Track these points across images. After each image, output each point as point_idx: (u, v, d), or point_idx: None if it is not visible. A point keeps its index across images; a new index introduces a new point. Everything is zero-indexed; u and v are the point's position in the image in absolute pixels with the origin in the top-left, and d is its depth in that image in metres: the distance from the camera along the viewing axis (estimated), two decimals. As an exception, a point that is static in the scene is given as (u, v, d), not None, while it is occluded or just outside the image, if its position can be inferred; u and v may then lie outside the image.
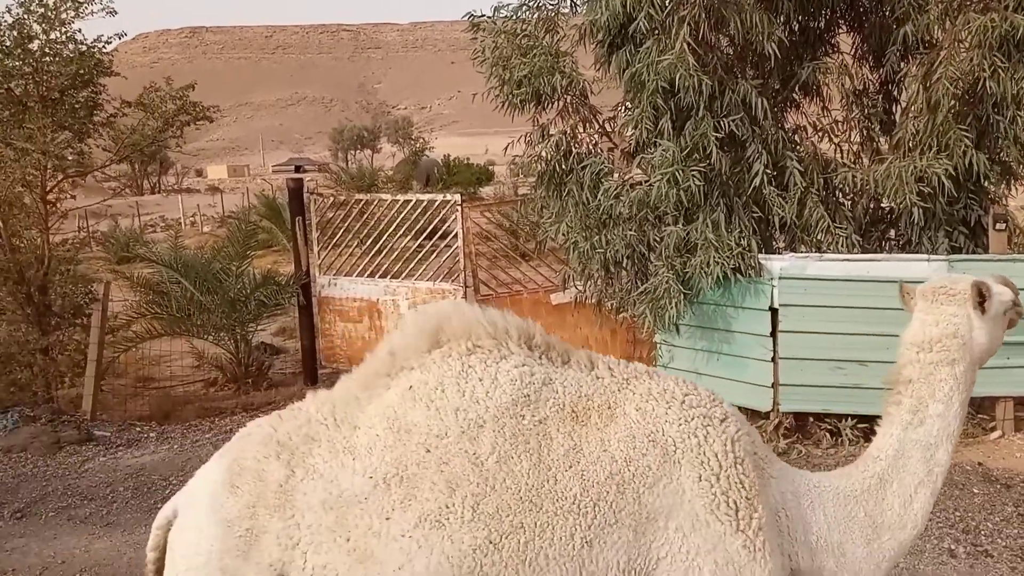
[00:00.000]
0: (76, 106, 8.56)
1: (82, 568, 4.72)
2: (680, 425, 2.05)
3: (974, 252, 6.15)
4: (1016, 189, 6.54)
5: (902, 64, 6.44)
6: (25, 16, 8.39)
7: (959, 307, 2.28)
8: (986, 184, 6.13)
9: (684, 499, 2.00)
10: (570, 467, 1.98)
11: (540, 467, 1.97)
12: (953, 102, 5.69)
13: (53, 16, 8.33)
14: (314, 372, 8.75)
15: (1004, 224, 6.05)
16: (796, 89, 6.74)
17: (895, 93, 6.83)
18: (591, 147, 7.09)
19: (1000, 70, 5.56)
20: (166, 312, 8.49)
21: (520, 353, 2.11)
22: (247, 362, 8.70)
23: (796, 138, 6.76)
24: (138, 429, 7.41)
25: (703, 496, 2.00)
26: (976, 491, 5.12)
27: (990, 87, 5.58)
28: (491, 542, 1.92)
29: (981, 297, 2.27)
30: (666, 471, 2.00)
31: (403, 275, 8.42)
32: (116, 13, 8.93)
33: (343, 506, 1.96)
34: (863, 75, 7.02)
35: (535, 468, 1.97)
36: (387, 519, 1.94)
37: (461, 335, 2.12)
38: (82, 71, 8.52)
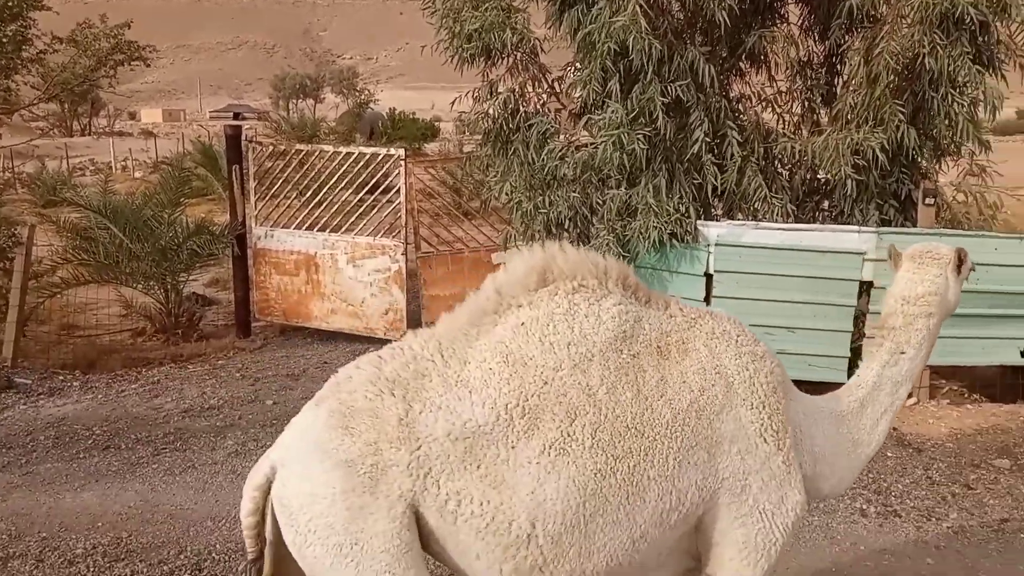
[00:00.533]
0: (3, 40, 8.11)
1: (-1, 517, 4.58)
2: (736, 360, 2.32)
3: (903, 225, 6.33)
4: (947, 165, 6.73)
5: (847, 37, 6.51)
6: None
7: (941, 269, 2.61)
8: (918, 159, 6.28)
9: (741, 425, 2.27)
10: (661, 396, 2.21)
11: (639, 397, 2.19)
12: (892, 77, 5.79)
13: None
14: (247, 324, 8.58)
15: (933, 199, 6.22)
16: (743, 58, 6.77)
17: (838, 66, 6.91)
18: (539, 106, 7.03)
19: (939, 47, 5.67)
20: (93, 259, 8.18)
21: (617, 293, 2.30)
22: (177, 312, 8.48)
23: (740, 107, 6.80)
24: (61, 378, 7.17)
25: (755, 423, 2.29)
26: (890, 454, 5.32)
27: (928, 64, 5.69)
28: (608, 466, 2.11)
29: (960, 261, 2.62)
30: (728, 400, 2.28)
31: (343, 229, 8.27)
32: (46, -57, 8.45)
33: (469, 436, 2.07)
34: (808, 47, 7.08)
35: (636, 398, 2.18)
36: (512, 448, 2.07)
37: (567, 275, 2.28)
38: (10, 3, 8.07)
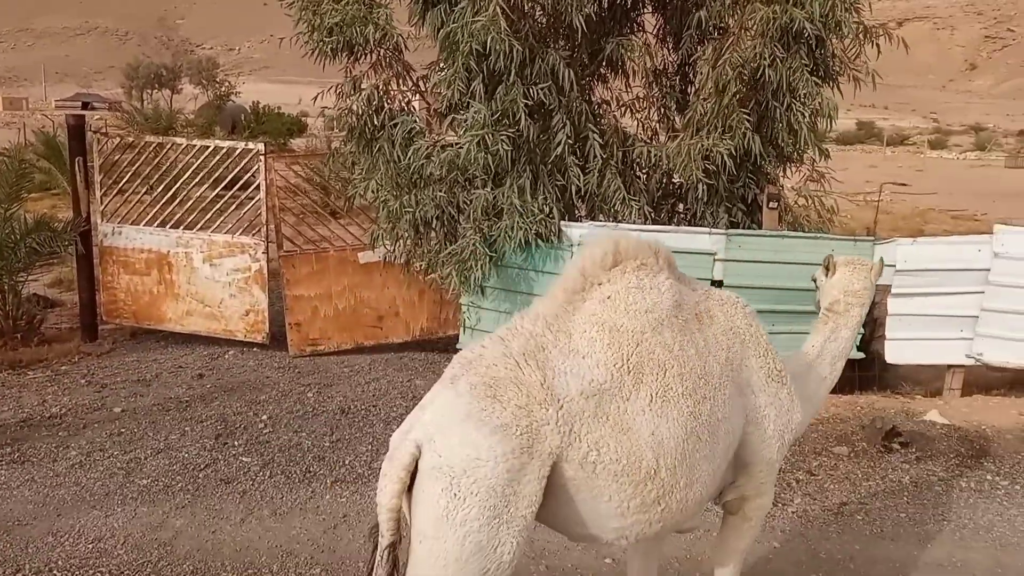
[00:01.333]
0: None
1: None
2: (743, 320, 2.84)
3: (750, 227, 6.72)
4: (790, 171, 7.19)
5: (698, 47, 6.85)
6: None
7: (869, 272, 3.33)
8: (763, 165, 6.68)
9: (755, 371, 2.81)
10: (709, 353, 2.66)
11: (699, 354, 2.62)
12: (739, 87, 6.14)
13: None
14: (94, 327, 8.05)
15: (776, 203, 6.63)
16: (603, 64, 6.98)
17: (691, 75, 7.25)
18: (404, 104, 6.99)
19: (779, 59, 6.06)
20: (-85, 257, 7.46)
21: (666, 269, 2.69)
22: (15, 315, 7.85)
23: (600, 111, 7.01)
24: None
25: (763, 367, 2.83)
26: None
27: (769, 75, 6.07)
28: (696, 409, 2.51)
29: (881, 267, 3.37)
30: (743, 353, 2.79)
31: (198, 226, 7.91)
32: None
33: (595, 394, 2.38)
34: (663, 55, 7.40)
35: (697, 354, 2.61)
36: (627, 400, 2.42)
37: (631, 255, 2.64)
38: None
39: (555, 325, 2.51)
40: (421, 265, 7.01)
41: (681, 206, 7.20)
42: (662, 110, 7.39)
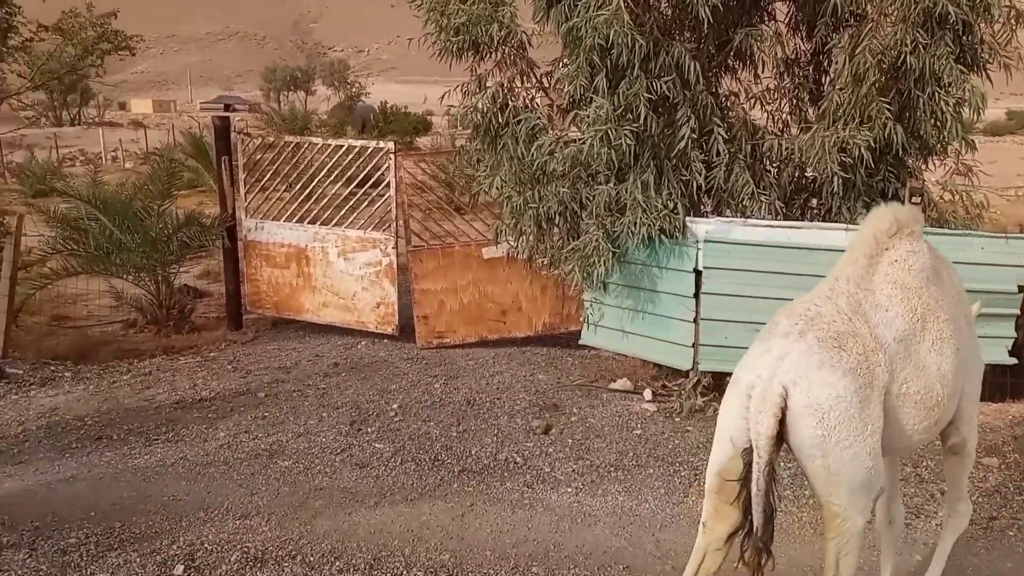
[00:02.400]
0: (-12, 27, 8.08)
1: (-9, 508, 4.61)
2: (955, 277, 3.34)
3: (889, 223, 6.39)
4: (934, 164, 6.80)
5: (833, 35, 6.57)
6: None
7: None
8: (905, 158, 6.35)
9: (963, 319, 3.24)
10: (952, 301, 3.16)
11: (950, 304, 3.12)
12: (878, 75, 5.85)
13: (-37, -71, 7.81)
14: (238, 317, 8.60)
15: (919, 198, 6.28)
16: (730, 55, 6.82)
17: (825, 64, 6.98)
18: (528, 101, 7.06)
19: (921, 46, 5.73)
20: (84, 250, 8.18)
21: (922, 236, 3.19)
22: (168, 304, 8.49)
23: (727, 104, 6.85)
24: (52, 368, 7.19)
25: (965, 316, 3.29)
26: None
27: (911, 62, 5.75)
28: (957, 348, 3.06)
29: None
30: (960, 304, 3.28)
31: (333, 222, 8.29)
32: (32, -70, 8.41)
33: (903, 339, 2.94)
34: (796, 44, 7.14)
35: (948, 303, 3.11)
36: (919, 343, 2.98)
37: (904, 223, 3.13)
38: (-6, -10, 8.04)
39: (862, 284, 3.02)
40: (544, 261, 7.07)
41: (815, 201, 6.94)
42: (794, 101, 7.13)
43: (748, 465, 2.75)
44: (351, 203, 8.38)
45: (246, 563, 4.03)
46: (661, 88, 6.08)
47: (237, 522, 4.46)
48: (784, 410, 2.71)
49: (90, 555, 4.11)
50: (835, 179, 6.06)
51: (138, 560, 4.05)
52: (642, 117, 6.01)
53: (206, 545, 4.21)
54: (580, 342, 7.13)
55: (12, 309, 7.59)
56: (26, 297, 8.19)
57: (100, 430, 5.75)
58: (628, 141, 5.96)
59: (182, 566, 3.99)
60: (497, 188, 6.87)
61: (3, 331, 7.42)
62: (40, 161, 22.27)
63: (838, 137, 5.94)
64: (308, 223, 8.34)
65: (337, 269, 8.21)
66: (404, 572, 3.97)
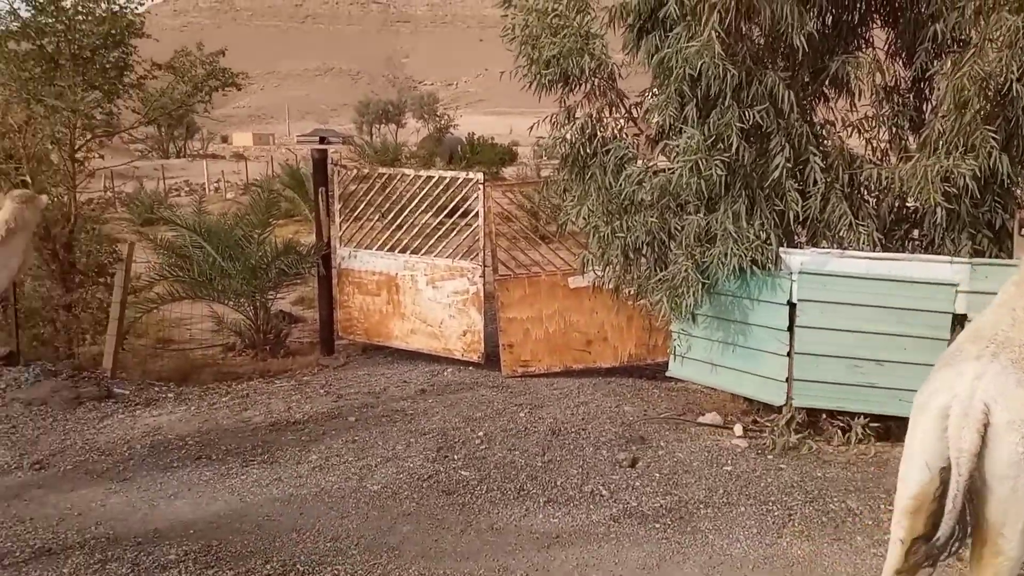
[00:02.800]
0: (107, 66, 8.65)
1: (97, 521, 4.83)
2: None
3: (998, 256, 6.10)
4: (1046, 195, 6.45)
5: (935, 62, 6.36)
6: (59, -27, 8.46)
7: None
8: (1013, 188, 6.06)
9: None
10: None
11: None
12: (982, 102, 5.62)
13: (87, -25, 8.40)
14: (330, 342, 8.83)
15: (1030, 229, 5.98)
16: (826, 83, 6.68)
17: (926, 91, 6.75)
18: (616, 131, 7.07)
19: (1030, 72, 5.48)
20: (188, 276, 8.58)
21: None
22: (265, 329, 8.80)
23: (824, 132, 6.70)
24: (156, 389, 7.53)
25: None
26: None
27: (1017, 89, 5.51)
28: None
29: None
30: None
31: (422, 251, 8.45)
32: (150, -24, 8.98)
33: None
34: (895, 71, 6.94)
35: None
36: None
37: None
38: (114, 31, 8.60)
39: (1020, 311, 3.02)
40: (630, 291, 7.02)
41: (916, 232, 6.69)
42: (893, 129, 6.91)
43: (945, 484, 2.74)
44: (440, 232, 8.53)
45: (334, 583, 4.10)
46: (754, 117, 6.00)
47: (328, 544, 4.55)
48: (986, 427, 2.70)
49: (188, 572, 4.25)
50: (938, 210, 5.82)
51: (234, 578, 4.17)
52: (734, 147, 5.94)
53: (298, 566, 4.30)
54: (667, 374, 7.02)
55: (121, 332, 8.01)
56: (134, 320, 8.63)
57: (200, 450, 5.97)
58: (719, 171, 5.89)
59: (274, 585, 4.09)
60: (584, 218, 6.87)
61: (113, 353, 7.83)
62: (149, 191, 23.55)
63: (941, 166, 5.72)
64: (398, 252, 8.53)
65: (426, 297, 8.35)
66: (489, 602, 3.96)
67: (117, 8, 8.61)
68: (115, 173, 22.51)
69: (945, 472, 2.75)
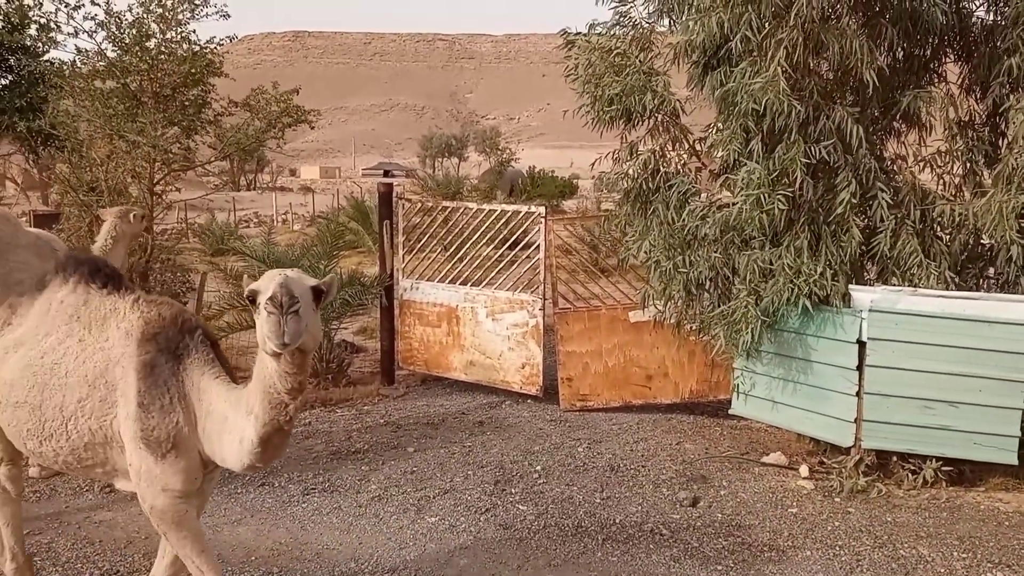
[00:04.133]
0: (186, 104, 9.01)
1: (164, 544, 4.94)
2: None
3: (1079, 295, 5.85)
4: None
5: (1010, 96, 6.19)
6: (144, 16, 8.90)
7: None
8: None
9: None
10: None
11: None
12: (1058, 137, 5.44)
13: (170, 16, 8.82)
14: (391, 372, 8.93)
15: (1113, 267, 5.72)
16: (897, 117, 6.55)
17: (1002, 126, 6.56)
18: (679, 166, 7.05)
19: (1112, 107, 5.29)
20: (256, 305, 8.79)
21: None
22: (328, 358, 8.93)
23: (894, 168, 6.56)
24: (223, 416, 7.69)
25: None
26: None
27: (1099, 123, 5.31)
28: None
29: None
30: None
31: (483, 283, 8.52)
32: (230, 16, 9.38)
33: None
34: (969, 106, 6.77)
35: None
36: None
37: None
38: (194, 70, 8.98)
39: None
40: (692, 326, 6.93)
41: (991, 270, 6.47)
42: (967, 164, 6.72)
43: None
44: (500, 265, 8.58)
45: None
46: (820, 152, 5.92)
47: (386, 575, 4.56)
48: None
49: (249, 596, 4.31)
50: (1013, 247, 5.63)
51: (293, 605, 4.21)
52: (798, 182, 5.87)
53: None
54: (730, 411, 6.89)
55: (191, 358, 8.23)
56: (204, 348, 8.86)
57: (263, 477, 6.08)
58: (781, 205, 5.81)
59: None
60: (646, 252, 6.84)
61: (183, 378, 8.04)
62: (220, 223, 24.31)
63: (1016, 202, 5.54)
64: (459, 284, 8.60)
65: (485, 329, 8.39)
66: (546, 640, 3.91)
67: (198, 48, 9.01)
68: (189, 205, 23.31)
69: None
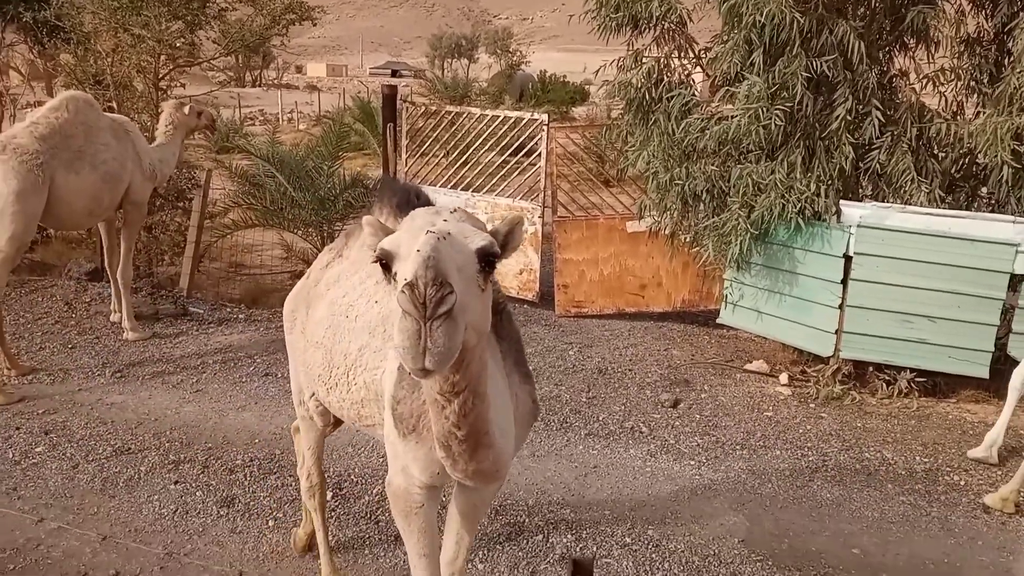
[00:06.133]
0: (190, -1, 8.91)
1: (172, 427, 5.26)
2: None
3: (1065, 217, 5.96)
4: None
5: (1021, 13, 6.13)
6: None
7: None
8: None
9: None
10: None
11: None
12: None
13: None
14: (393, 274, 9.12)
15: (1104, 191, 5.81)
16: (905, 33, 6.50)
17: (1009, 44, 6.51)
18: (684, 77, 7.04)
19: (1117, 29, 5.27)
20: (260, 204, 8.93)
21: None
22: (331, 258, 9.12)
23: (894, 85, 6.55)
24: (229, 310, 7.96)
25: None
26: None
27: (1101, 46, 5.31)
28: None
29: None
30: None
31: (484, 189, 8.61)
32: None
33: None
34: (979, 22, 6.71)
35: None
36: None
37: None
38: (197, -37, 8.83)
39: None
40: (687, 238, 7.07)
41: (984, 190, 6.55)
42: (971, 84, 6.71)
43: None
44: (503, 171, 8.66)
45: (385, 497, 4.42)
46: (820, 67, 5.92)
47: (380, 459, 4.86)
48: None
49: (252, 476, 4.63)
50: (1005, 168, 5.71)
51: (293, 484, 4.52)
52: (797, 97, 5.90)
53: (352, 476, 4.65)
54: (718, 321, 7.12)
55: (197, 255, 8.45)
56: (209, 244, 9.07)
57: (267, 367, 6.37)
58: (778, 120, 5.86)
59: (331, 492, 4.43)
60: (645, 163, 6.91)
61: (189, 274, 8.28)
62: (225, 120, 24.14)
63: (1012, 124, 5.59)
64: (461, 189, 8.70)
65: (485, 234, 8.52)
66: (526, 520, 4.22)
67: (200, -61, 8.85)
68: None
69: None
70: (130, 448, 4.93)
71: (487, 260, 1.93)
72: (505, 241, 2.04)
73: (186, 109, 7.41)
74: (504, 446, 2.26)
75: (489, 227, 2.08)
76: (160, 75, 8.80)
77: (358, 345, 2.81)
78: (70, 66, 9.13)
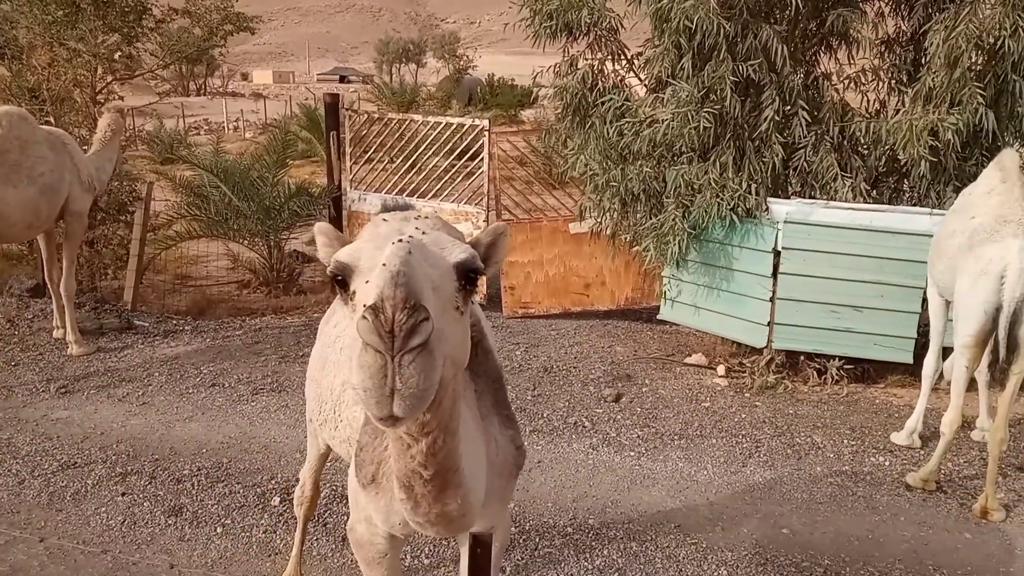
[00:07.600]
0: (126, 10, 8.86)
1: (119, 440, 5.26)
2: None
3: (981, 209, 6.28)
4: (1032, 149, 6.59)
5: (935, 15, 6.45)
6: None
7: None
8: (999, 143, 6.21)
9: None
10: None
11: None
12: (972, 58, 5.76)
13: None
14: (341, 281, 9.16)
15: (1013, 183, 6.13)
16: (827, 36, 6.79)
17: (925, 45, 6.84)
18: (617, 82, 7.25)
19: (1022, 29, 5.59)
20: (205, 215, 8.92)
21: None
22: (279, 268, 9.16)
23: (817, 85, 6.83)
24: (174, 322, 7.94)
25: None
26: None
27: (1009, 46, 5.63)
28: None
29: None
30: None
31: (430, 195, 8.72)
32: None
33: None
34: (897, 23, 7.04)
35: None
36: None
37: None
38: (131, -27, 8.79)
39: None
40: (627, 238, 7.27)
41: (905, 184, 6.87)
42: (891, 83, 7.04)
43: (995, 322, 4.16)
44: (449, 175, 8.78)
45: (333, 499, 4.51)
46: (747, 71, 6.17)
47: (329, 463, 4.94)
48: None
49: (200, 485, 4.67)
50: (923, 163, 6.01)
51: (241, 491, 4.58)
52: (726, 100, 6.13)
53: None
54: (658, 317, 7.33)
55: (141, 268, 8.41)
56: (153, 257, 9.03)
57: (214, 378, 6.39)
58: (707, 123, 6.09)
59: (278, 498, 4.50)
60: (583, 165, 7.10)
61: (133, 287, 8.24)
62: (168, 130, 23.81)
63: (927, 120, 5.89)
64: (406, 195, 8.78)
65: (432, 239, 8.62)
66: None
67: (134, -50, 8.81)
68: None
69: (996, 313, 4.15)
70: (76, 462, 4.93)
71: (467, 276, 1.60)
72: (487, 253, 1.76)
73: (123, 112, 7.61)
74: (474, 489, 1.90)
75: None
76: (98, 88, 8.73)
77: (341, 380, 2.55)
78: (5, 81, 9.01)
